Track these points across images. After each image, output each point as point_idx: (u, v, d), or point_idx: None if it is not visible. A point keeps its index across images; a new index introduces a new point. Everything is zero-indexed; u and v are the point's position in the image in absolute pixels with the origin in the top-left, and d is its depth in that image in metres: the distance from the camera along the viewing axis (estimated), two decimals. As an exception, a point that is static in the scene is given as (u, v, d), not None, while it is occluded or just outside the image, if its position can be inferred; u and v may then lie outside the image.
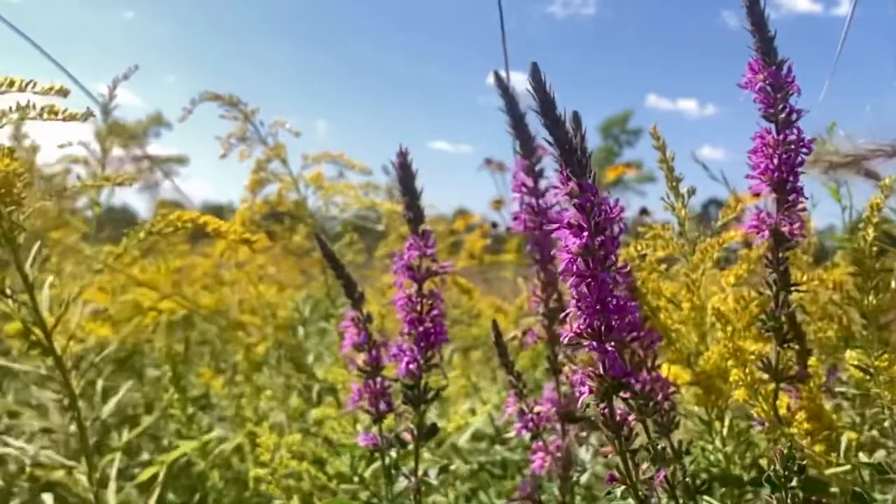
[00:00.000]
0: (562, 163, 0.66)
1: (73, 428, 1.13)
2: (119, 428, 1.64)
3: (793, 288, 0.96)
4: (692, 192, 1.17)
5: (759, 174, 0.94)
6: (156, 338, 2.14)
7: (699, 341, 1.14)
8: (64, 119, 0.96)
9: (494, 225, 2.96)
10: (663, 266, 1.16)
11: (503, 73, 1.19)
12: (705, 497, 0.89)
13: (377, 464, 1.28)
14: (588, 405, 0.73)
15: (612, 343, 0.70)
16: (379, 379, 1.11)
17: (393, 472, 1.10)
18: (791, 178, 0.93)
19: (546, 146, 1.20)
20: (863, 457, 1.01)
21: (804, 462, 0.71)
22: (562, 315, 1.19)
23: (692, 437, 1.14)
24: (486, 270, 2.90)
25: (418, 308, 1.06)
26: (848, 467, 0.95)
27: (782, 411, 0.96)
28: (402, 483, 1.08)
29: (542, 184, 1.21)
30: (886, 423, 0.88)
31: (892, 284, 0.98)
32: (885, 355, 0.85)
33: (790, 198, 0.93)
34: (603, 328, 0.70)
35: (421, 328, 1.06)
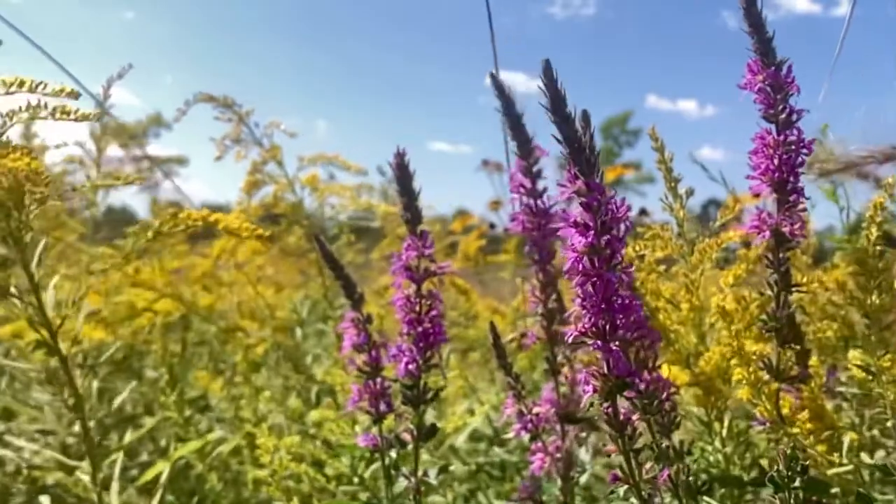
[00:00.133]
0: (570, 161, 0.66)
1: (76, 428, 1.12)
2: (117, 429, 1.63)
3: (794, 288, 0.96)
4: (690, 192, 1.17)
5: (759, 175, 0.93)
6: (152, 339, 2.13)
7: (698, 342, 1.14)
8: (76, 119, 0.96)
9: (492, 226, 2.96)
10: (662, 267, 1.16)
11: (495, 74, 1.19)
12: (705, 497, 0.89)
13: (376, 465, 1.28)
14: (591, 405, 0.73)
15: (617, 342, 0.70)
16: (379, 379, 1.11)
17: (393, 472, 1.10)
18: (791, 179, 0.93)
19: (542, 147, 1.22)
20: (865, 457, 1.01)
21: (807, 462, 0.71)
22: (562, 315, 1.20)
23: (693, 437, 1.14)
24: (483, 272, 2.90)
25: (417, 308, 1.06)
26: (850, 467, 0.95)
27: (785, 411, 0.96)
28: (401, 483, 1.08)
29: (540, 184, 1.20)
30: (889, 423, 0.88)
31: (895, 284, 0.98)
32: (889, 356, 0.85)
33: (791, 198, 0.93)
34: (608, 327, 0.70)
35: (420, 328, 1.06)
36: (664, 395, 0.80)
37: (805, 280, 1.04)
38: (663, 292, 1.13)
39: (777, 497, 0.72)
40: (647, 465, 0.76)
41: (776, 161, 0.92)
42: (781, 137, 0.92)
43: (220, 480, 1.59)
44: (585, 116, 0.67)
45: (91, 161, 2.32)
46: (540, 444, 1.16)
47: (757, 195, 0.96)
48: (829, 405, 1.04)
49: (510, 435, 1.20)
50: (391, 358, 1.08)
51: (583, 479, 1.18)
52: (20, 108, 0.95)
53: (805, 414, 0.94)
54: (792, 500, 0.71)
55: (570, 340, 0.71)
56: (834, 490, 0.98)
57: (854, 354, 0.93)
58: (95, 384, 1.66)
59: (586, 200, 0.67)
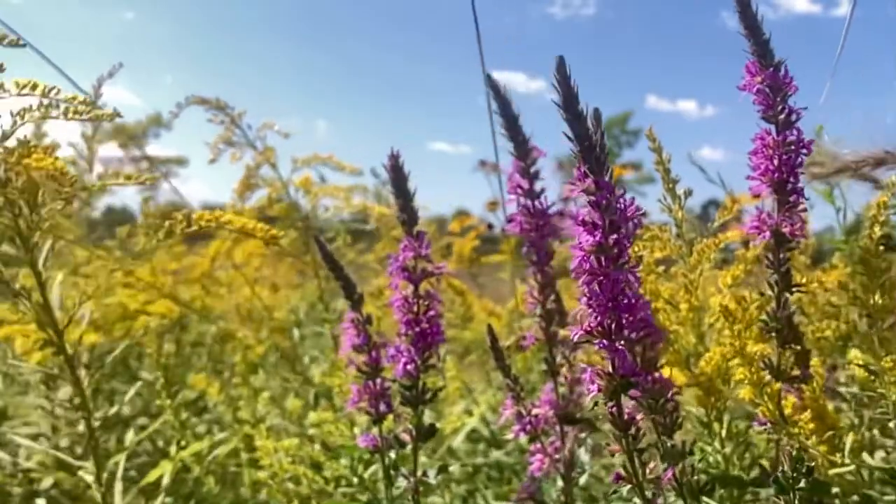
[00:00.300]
0: (580, 159, 0.66)
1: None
2: (114, 430, 1.63)
3: (794, 289, 0.96)
4: (689, 193, 1.17)
5: (759, 175, 0.94)
6: (146, 342, 2.12)
7: (697, 342, 1.14)
8: (88, 119, 0.96)
9: (491, 226, 2.95)
10: (661, 267, 1.16)
11: (484, 74, 1.19)
12: (704, 498, 0.89)
13: (376, 465, 1.27)
14: (596, 403, 0.73)
15: (622, 341, 0.70)
16: (378, 380, 1.10)
17: (392, 472, 1.10)
18: (791, 179, 0.93)
19: (539, 148, 1.21)
20: (867, 458, 1.01)
21: (812, 463, 0.71)
22: (561, 316, 1.20)
23: (694, 437, 1.14)
24: (479, 273, 2.89)
25: (415, 309, 1.06)
26: (852, 468, 0.95)
27: (787, 411, 0.96)
28: (401, 484, 1.08)
29: (538, 185, 1.20)
30: (891, 424, 0.88)
31: None
32: (891, 356, 0.85)
33: (791, 199, 0.93)
34: (614, 326, 0.70)
35: (418, 329, 1.06)
36: (668, 394, 0.80)
37: (804, 280, 1.04)
38: (662, 293, 1.13)
39: (782, 499, 0.71)
40: (652, 465, 0.76)
41: (776, 161, 0.92)
42: (781, 138, 0.92)
43: (217, 483, 1.59)
44: (597, 115, 0.67)
45: (84, 161, 2.30)
46: (539, 445, 1.16)
47: (757, 196, 0.96)
48: (830, 406, 1.04)
49: (509, 436, 1.20)
50: (389, 359, 1.07)
51: (582, 479, 1.18)
52: (31, 106, 0.94)
53: (807, 414, 0.94)
54: (796, 502, 0.71)
55: (575, 339, 0.71)
56: (834, 490, 0.98)
57: (855, 354, 0.93)
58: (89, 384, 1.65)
59: (595, 199, 0.67)
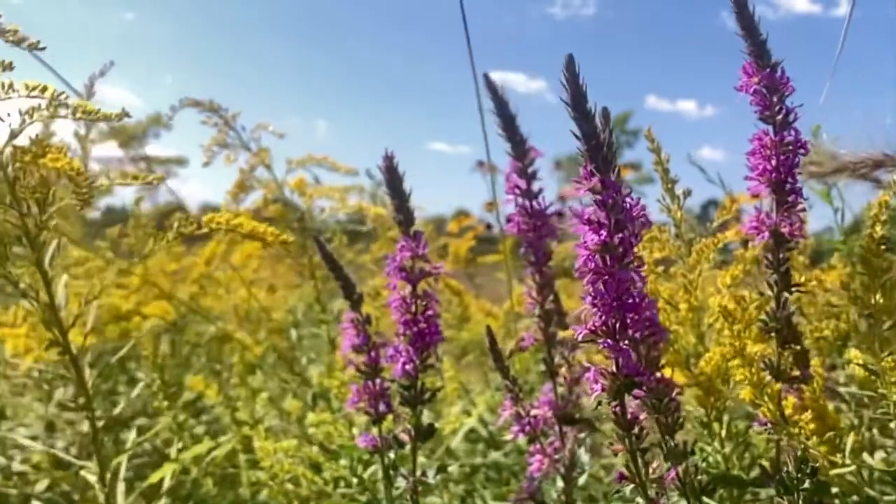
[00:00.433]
0: (587, 157, 0.66)
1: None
2: (112, 431, 1.62)
3: (794, 289, 0.96)
4: (688, 193, 1.17)
5: (757, 176, 0.94)
6: (142, 343, 2.11)
7: (697, 342, 1.14)
8: (97, 119, 0.95)
9: (489, 226, 2.95)
10: (660, 268, 1.16)
11: (473, 73, 1.19)
12: (704, 498, 0.89)
13: (375, 466, 1.27)
14: (599, 403, 0.73)
15: (627, 341, 0.70)
16: (378, 380, 1.10)
17: (391, 472, 1.09)
18: (790, 180, 0.93)
19: (537, 148, 1.21)
20: (867, 458, 1.01)
21: (816, 464, 0.71)
22: (559, 316, 1.20)
23: (695, 437, 1.14)
24: (476, 273, 2.89)
25: (413, 309, 1.06)
26: (853, 468, 0.95)
27: (787, 412, 0.96)
28: (401, 484, 1.07)
29: (535, 185, 1.20)
30: (892, 425, 0.88)
31: None
32: (892, 356, 0.85)
33: (789, 199, 0.93)
34: (618, 325, 0.70)
35: (416, 328, 1.06)
36: (671, 394, 0.80)
37: (804, 280, 1.04)
38: (662, 293, 1.13)
39: (785, 499, 0.71)
40: (655, 465, 0.76)
41: (774, 162, 0.92)
42: (779, 138, 0.92)
43: (215, 484, 1.58)
44: (605, 114, 0.67)
45: (78, 161, 2.28)
46: (538, 445, 1.16)
47: (756, 196, 0.96)
48: (830, 406, 1.05)
49: (508, 437, 1.19)
50: (388, 359, 1.07)
51: (581, 479, 1.18)
52: (40, 105, 0.93)
53: (808, 415, 0.94)
54: (800, 503, 0.71)
55: (579, 338, 0.71)
56: (834, 490, 0.98)
57: (855, 354, 0.93)
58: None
59: (601, 198, 0.67)
